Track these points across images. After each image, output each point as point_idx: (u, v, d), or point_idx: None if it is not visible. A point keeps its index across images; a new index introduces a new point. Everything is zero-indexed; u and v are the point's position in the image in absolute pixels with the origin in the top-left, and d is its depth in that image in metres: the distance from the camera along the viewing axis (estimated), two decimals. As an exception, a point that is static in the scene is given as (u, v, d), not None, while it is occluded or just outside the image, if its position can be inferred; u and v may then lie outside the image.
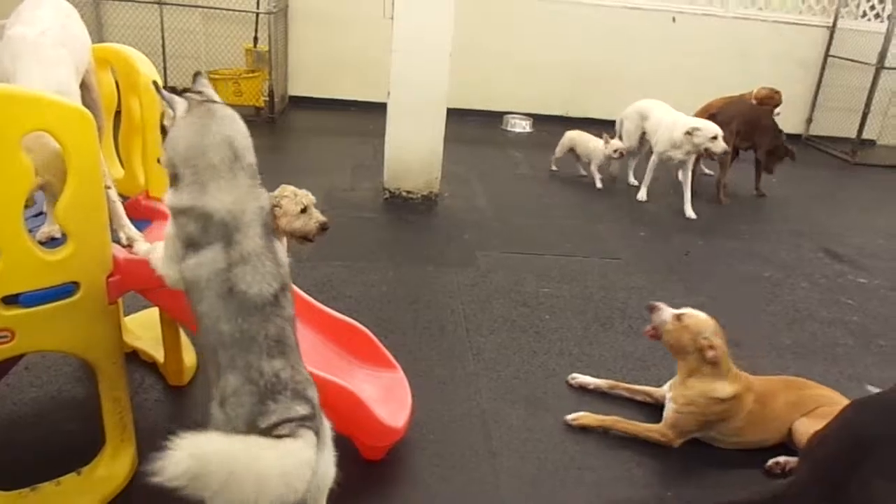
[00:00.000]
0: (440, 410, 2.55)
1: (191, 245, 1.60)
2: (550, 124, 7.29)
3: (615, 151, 5.40)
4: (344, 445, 2.21)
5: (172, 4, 6.51)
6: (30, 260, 1.70)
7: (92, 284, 1.83)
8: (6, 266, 1.67)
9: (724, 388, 2.43)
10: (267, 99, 6.50)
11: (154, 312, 2.62)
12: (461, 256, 3.95)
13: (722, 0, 7.43)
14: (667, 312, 2.52)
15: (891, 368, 3.21)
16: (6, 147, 1.59)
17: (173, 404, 2.48)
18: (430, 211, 4.63)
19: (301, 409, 1.53)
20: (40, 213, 2.08)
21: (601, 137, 5.51)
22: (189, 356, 2.61)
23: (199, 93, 1.73)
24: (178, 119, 1.66)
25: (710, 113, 5.52)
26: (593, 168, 5.54)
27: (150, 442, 2.18)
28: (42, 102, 1.66)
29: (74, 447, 2.10)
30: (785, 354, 3.23)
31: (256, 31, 6.53)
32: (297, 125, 6.64)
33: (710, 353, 2.40)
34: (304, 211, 2.92)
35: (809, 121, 7.92)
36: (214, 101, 1.71)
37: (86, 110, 1.72)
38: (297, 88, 7.12)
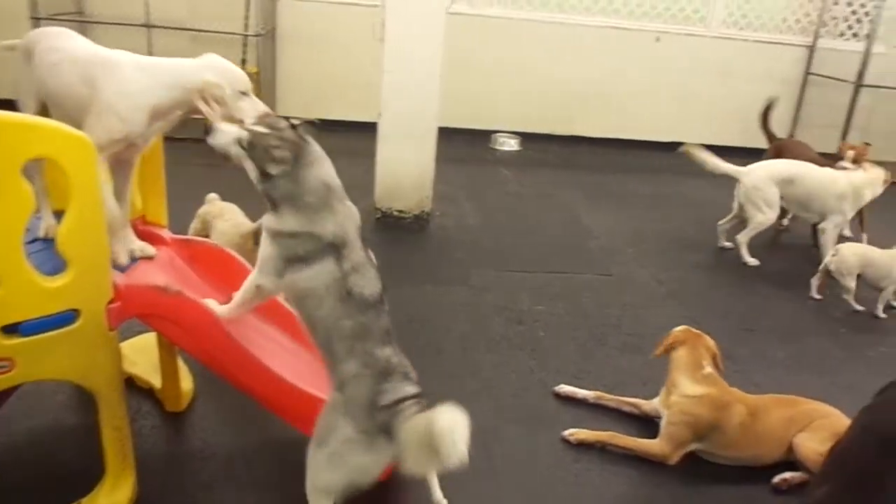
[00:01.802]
0: (440, 431, 2.54)
1: (298, 260, 1.83)
2: (538, 142, 7.35)
3: None
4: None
5: (160, 27, 6.52)
6: (30, 288, 1.69)
7: (92, 311, 1.82)
8: (7, 295, 1.65)
9: (692, 387, 2.51)
10: (255, 120, 6.49)
11: (150, 337, 2.60)
12: (455, 275, 3.95)
13: (704, 20, 7.55)
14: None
15: (881, 377, 3.23)
16: (7, 174, 1.59)
17: (171, 430, 2.45)
18: (422, 230, 4.64)
19: (411, 389, 1.81)
20: (35, 240, 2.07)
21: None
22: (186, 381, 2.59)
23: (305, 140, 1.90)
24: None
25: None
26: None
27: (149, 470, 2.18)
28: (44, 129, 1.65)
29: (73, 477, 2.07)
30: (778, 368, 3.26)
31: (245, 53, 6.55)
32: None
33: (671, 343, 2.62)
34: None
35: (791, 137, 8.02)
36: (312, 146, 1.91)
37: (87, 137, 1.72)
38: (286, 109, 7.12)
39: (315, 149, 1.92)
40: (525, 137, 7.36)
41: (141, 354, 2.65)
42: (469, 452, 2.40)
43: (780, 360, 3.33)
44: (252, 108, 2.09)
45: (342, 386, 1.81)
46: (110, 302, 1.86)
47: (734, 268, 4.51)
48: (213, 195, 3.22)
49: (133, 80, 2.00)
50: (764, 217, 4.54)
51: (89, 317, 1.81)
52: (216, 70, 2.06)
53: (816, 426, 2.49)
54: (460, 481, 2.27)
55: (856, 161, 5.09)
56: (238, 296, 2.02)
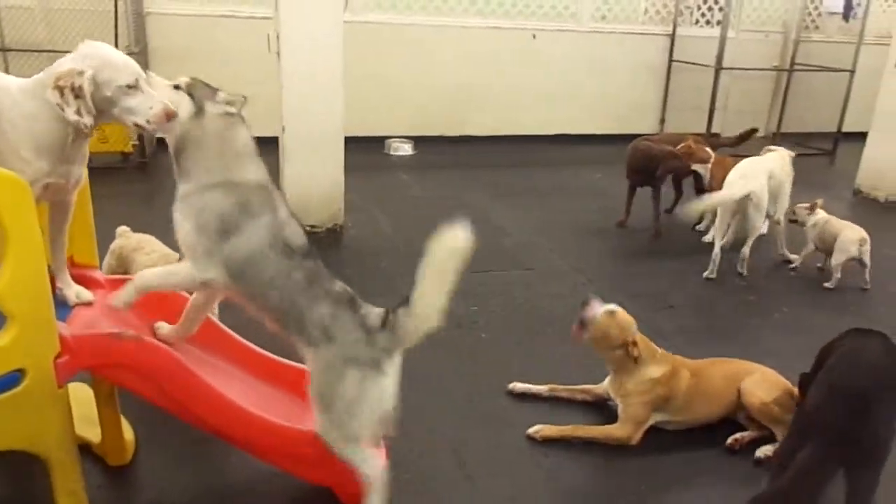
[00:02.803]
0: (407, 446, 2.49)
1: (228, 231, 1.80)
2: (431, 145, 7.40)
3: None
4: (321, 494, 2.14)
5: (17, 51, 5.98)
6: (-31, 352, 1.50)
7: (39, 369, 1.65)
8: (-57, 363, 1.46)
9: (654, 370, 2.63)
10: (136, 143, 6.11)
11: (79, 388, 2.37)
12: (382, 286, 3.88)
13: (575, 16, 7.90)
14: (598, 307, 2.66)
15: (791, 337, 3.55)
16: (-65, 228, 1.40)
17: (122, 486, 2.25)
18: (338, 244, 4.54)
19: (378, 309, 1.92)
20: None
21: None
22: (128, 432, 2.39)
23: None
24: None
25: None
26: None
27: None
28: (-27, 174, 1.47)
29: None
30: (702, 339, 3.47)
31: (116, 73, 6.13)
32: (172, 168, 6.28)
33: (635, 351, 2.59)
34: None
35: (663, 121, 8.57)
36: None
37: (21, 178, 1.54)
38: (166, 130, 6.74)
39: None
40: (418, 141, 7.38)
41: (73, 406, 2.41)
42: (440, 465, 2.43)
43: (702, 332, 3.55)
44: (145, 104, 1.77)
45: (328, 336, 1.83)
46: (57, 356, 1.69)
47: (643, 251, 4.75)
48: (123, 228, 2.99)
49: (19, 107, 1.72)
50: (762, 219, 4.29)
51: (36, 375, 1.64)
52: (88, 59, 1.73)
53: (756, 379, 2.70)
54: (437, 495, 2.27)
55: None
56: (158, 278, 1.96)
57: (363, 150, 6.97)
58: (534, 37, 7.76)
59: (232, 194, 1.82)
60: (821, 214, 4.30)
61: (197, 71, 6.49)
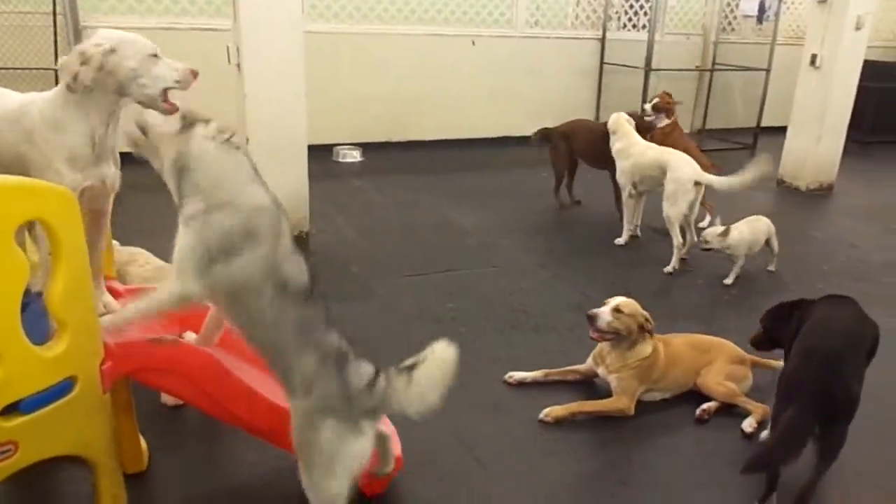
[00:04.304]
0: (415, 439, 2.57)
1: (226, 251, 1.72)
2: (379, 151, 7.52)
3: None
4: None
5: (-52, 68, 5.77)
6: (29, 361, 1.56)
7: (88, 376, 1.71)
8: (7, 372, 1.51)
9: (647, 348, 2.89)
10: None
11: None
12: (358, 289, 4.01)
13: (511, 22, 8.19)
14: (605, 314, 2.84)
15: (740, 317, 3.87)
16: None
17: (139, 492, 2.28)
18: (306, 251, 4.56)
19: (369, 367, 1.82)
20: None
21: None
22: (141, 439, 2.43)
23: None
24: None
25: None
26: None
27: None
28: (31, 188, 1.54)
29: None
30: (664, 321, 3.67)
31: (56, 88, 6.00)
32: (129, 184, 6.15)
33: (649, 326, 2.85)
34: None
35: (597, 121, 8.96)
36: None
37: (69, 191, 1.61)
38: (109, 145, 6.61)
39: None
40: (365, 147, 7.49)
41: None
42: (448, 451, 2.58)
43: (663, 315, 3.77)
44: (168, 69, 1.89)
45: (308, 390, 1.75)
46: (101, 362, 1.75)
47: (597, 245, 5.01)
48: (112, 242, 3.00)
49: (46, 119, 1.82)
50: None
51: (85, 382, 1.71)
52: (107, 40, 1.84)
53: (713, 357, 3.01)
54: (454, 480, 2.44)
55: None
56: (140, 307, 1.80)
57: (312, 159, 6.94)
58: (473, 43, 8.00)
59: (238, 215, 1.75)
60: (735, 229, 4.33)
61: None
